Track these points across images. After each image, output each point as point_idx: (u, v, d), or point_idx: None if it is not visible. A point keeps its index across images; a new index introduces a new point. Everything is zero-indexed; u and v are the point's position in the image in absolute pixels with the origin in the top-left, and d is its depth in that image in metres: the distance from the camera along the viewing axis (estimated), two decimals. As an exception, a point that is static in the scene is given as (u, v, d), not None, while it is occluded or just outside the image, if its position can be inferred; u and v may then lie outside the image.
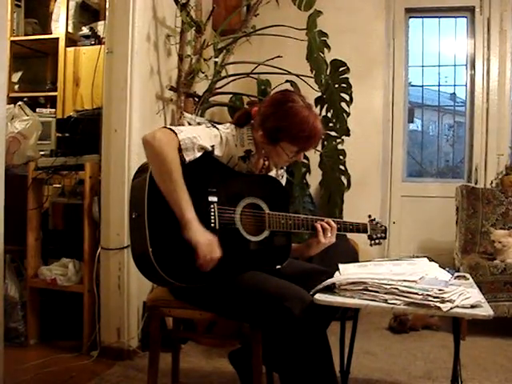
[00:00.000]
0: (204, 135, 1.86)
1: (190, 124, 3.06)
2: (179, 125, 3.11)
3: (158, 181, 1.76)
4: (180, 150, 1.78)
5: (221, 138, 1.92)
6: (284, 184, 2.22)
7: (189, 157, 1.80)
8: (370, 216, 2.20)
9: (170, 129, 1.82)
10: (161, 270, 1.72)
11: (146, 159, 1.83)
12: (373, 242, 2.19)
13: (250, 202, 1.96)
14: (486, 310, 1.65)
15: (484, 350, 3.06)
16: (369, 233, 2.16)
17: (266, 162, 2.09)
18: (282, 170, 2.23)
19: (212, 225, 1.83)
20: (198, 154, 1.83)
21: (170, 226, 1.75)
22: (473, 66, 4.35)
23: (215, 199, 1.86)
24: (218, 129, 1.95)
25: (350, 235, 3.74)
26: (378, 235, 2.18)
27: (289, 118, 1.91)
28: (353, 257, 3.63)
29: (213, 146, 1.88)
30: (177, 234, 1.75)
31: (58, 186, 3.24)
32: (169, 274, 1.74)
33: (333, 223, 2.04)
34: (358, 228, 2.15)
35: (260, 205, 1.98)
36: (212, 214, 1.84)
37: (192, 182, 1.78)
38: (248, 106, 3.37)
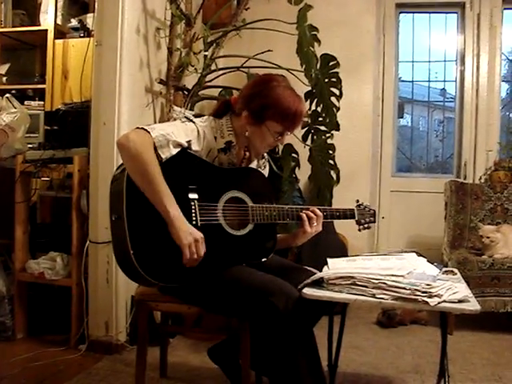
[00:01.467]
0: (178, 131, 1.84)
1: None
2: (169, 118, 3.10)
3: (138, 182, 1.74)
4: (155, 148, 1.76)
5: (198, 132, 1.91)
6: (267, 174, 2.20)
7: (165, 154, 1.78)
8: (357, 201, 2.17)
9: (143, 128, 1.79)
10: (143, 272, 1.72)
11: (123, 163, 1.79)
12: (361, 226, 2.16)
13: (232, 196, 1.95)
14: (473, 305, 1.66)
15: (471, 344, 3.08)
16: (357, 218, 2.14)
17: (247, 153, 2.07)
18: (264, 160, 2.21)
19: (194, 222, 1.81)
20: (175, 151, 1.81)
21: (151, 227, 1.75)
22: (463, 62, 4.36)
23: (196, 196, 1.84)
24: (194, 122, 1.93)
25: (338, 229, 3.76)
26: (367, 219, 2.15)
27: (274, 96, 1.92)
28: (341, 251, 3.64)
29: (189, 142, 1.86)
30: (157, 235, 1.74)
31: (46, 179, 3.21)
32: (152, 276, 1.74)
33: (318, 212, 2.03)
34: (346, 214, 2.13)
35: (243, 198, 1.96)
36: (193, 211, 1.83)
37: (171, 180, 1.76)
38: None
